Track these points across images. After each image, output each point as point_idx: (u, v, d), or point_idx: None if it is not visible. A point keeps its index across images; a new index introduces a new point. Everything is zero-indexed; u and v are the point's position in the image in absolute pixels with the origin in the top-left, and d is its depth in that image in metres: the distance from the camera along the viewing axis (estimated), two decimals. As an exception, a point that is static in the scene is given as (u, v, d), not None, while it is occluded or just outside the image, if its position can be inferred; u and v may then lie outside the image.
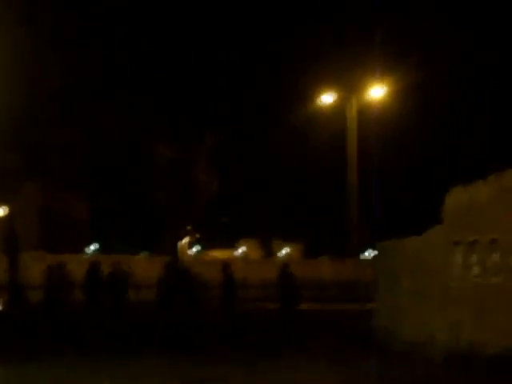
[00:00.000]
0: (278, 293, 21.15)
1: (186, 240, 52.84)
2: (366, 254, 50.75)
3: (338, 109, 37.48)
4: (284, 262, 21.99)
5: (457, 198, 15.81)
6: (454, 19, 44.38)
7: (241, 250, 59.52)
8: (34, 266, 31.47)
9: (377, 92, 35.99)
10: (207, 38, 44.87)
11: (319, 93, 37.23)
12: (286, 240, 58.86)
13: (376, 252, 23.11)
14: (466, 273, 15.24)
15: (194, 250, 59.96)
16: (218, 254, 54.76)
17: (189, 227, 50.10)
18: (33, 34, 32.10)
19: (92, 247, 58.60)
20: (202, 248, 60.89)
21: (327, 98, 36.99)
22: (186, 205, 42.77)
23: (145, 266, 37.81)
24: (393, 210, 45.31)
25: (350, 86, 37.93)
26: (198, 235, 58.52)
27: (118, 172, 45.73)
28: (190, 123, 42.10)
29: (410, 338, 17.37)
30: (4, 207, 39.70)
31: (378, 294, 20.81)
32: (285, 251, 58.04)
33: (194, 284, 24.09)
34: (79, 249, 52.72)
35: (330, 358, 16.88)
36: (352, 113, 37.72)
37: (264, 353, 17.84)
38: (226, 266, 22.18)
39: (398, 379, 14.20)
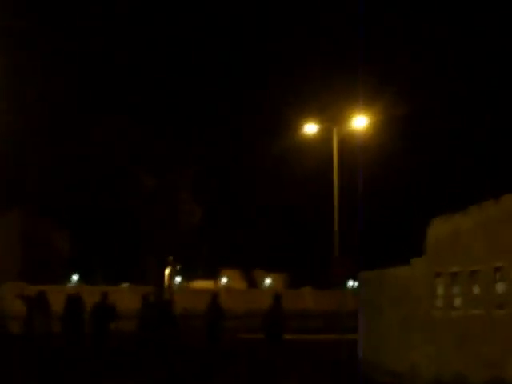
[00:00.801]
0: (264, 322, 21.04)
1: (167, 270, 52.60)
2: (349, 284, 50.78)
3: (323, 139, 37.64)
4: (277, 293, 21.88)
5: (438, 229, 15.89)
6: (438, 48, 44.89)
7: (224, 280, 59.36)
8: (15, 297, 31.15)
9: (360, 122, 36.15)
10: (194, 61, 45.10)
11: (303, 123, 37.36)
12: (269, 270, 58.77)
13: (359, 282, 23.13)
14: (448, 304, 15.28)
15: (178, 280, 59.76)
16: (201, 284, 54.57)
17: (170, 258, 49.94)
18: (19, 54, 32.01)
19: (74, 277, 58.27)
20: (184, 278, 60.64)
21: (310, 128, 37.07)
22: (168, 235, 42.64)
23: (127, 297, 37.57)
24: (376, 240, 45.39)
25: (333, 116, 38.16)
26: (178, 266, 58.27)
27: (99, 202, 45.57)
28: (174, 152, 42.13)
29: (393, 367, 17.37)
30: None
31: (361, 324, 20.83)
32: (268, 281, 57.96)
33: (174, 315, 23.90)
34: (60, 279, 52.38)
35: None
36: (335, 143, 37.91)
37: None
38: (214, 296, 22.11)
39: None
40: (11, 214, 48.16)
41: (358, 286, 24.31)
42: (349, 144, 38.06)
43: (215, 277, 59.41)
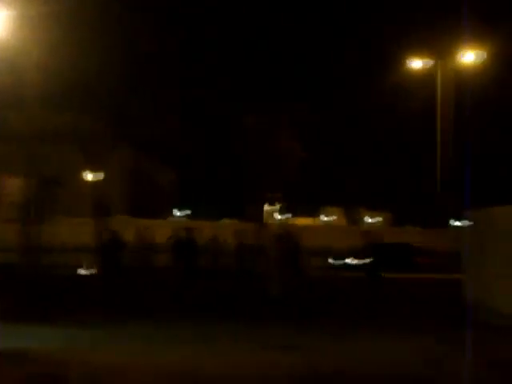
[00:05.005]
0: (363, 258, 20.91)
1: (270, 207, 52.87)
2: (454, 222, 49.85)
3: (430, 74, 36.65)
4: (367, 231, 21.60)
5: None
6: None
7: (325, 217, 59.15)
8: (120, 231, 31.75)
9: (468, 57, 34.93)
10: (299, 12, 44.46)
11: (408, 58, 36.40)
12: (373, 209, 58.16)
13: (465, 221, 22.58)
14: None
15: (280, 217, 59.99)
16: (301, 221, 54.54)
17: (275, 195, 50.14)
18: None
19: (178, 213, 59.27)
20: (285, 215, 60.75)
21: (416, 64, 36.11)
22: (271, 172, 42.74)
23: (226, 232, 37.97)
24: (482, 179, 44.24)
25: (440, 51, 36.97)
26: (281, 204, 58.44)
27: (205, 140, 46.00)
28: (275, 91, 41.95)
29: (506, 310, 16.89)
30: (95, 173, 40.40)
31: (468, 264, 20.32)
32: (370, 220, 57.41)
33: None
34: (164, 214, 53.43)
35: (421, 329, 16.50)
36: (440, 78, 36.85)
37: (348, 321, 17.56)
38: (286, 233, 22.04)
39: (497, 353, 13.73)
40: (121, 151, 48.96)
41: (465, 226, 23.70)
42: (457, 78, 36.90)
43: (316, 214, 59.26)
